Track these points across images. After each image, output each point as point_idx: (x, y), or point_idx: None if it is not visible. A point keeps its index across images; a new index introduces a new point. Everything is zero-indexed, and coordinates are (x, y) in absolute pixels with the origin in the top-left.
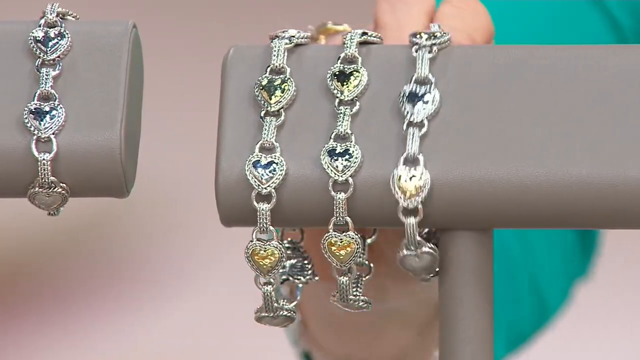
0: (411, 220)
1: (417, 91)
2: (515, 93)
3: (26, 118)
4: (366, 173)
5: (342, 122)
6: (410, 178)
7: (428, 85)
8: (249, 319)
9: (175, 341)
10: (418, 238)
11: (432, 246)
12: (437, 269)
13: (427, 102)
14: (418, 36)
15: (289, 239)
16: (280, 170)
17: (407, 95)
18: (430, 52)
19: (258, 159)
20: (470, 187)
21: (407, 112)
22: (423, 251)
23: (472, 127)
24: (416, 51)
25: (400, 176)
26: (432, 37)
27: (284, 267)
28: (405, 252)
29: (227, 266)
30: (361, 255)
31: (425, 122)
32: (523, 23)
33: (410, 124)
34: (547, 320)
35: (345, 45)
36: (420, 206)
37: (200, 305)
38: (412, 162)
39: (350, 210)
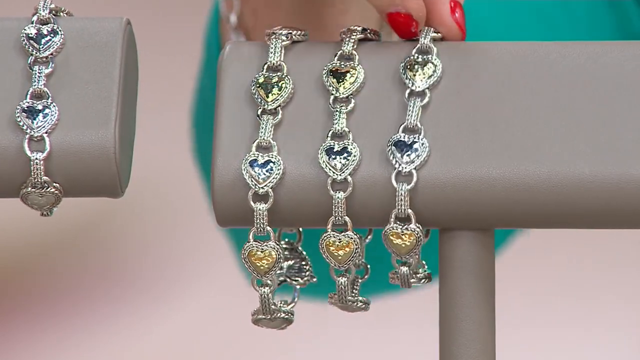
0: (404, 269)
1: (406, 140)
2: (517, 90)
3: (18, 116)
4: (365, 172)
5: (339, 120)
6: (402, 236)
7: (417, 135)
8: (246, 321)
9: (173, 343)
10: (412, 280)
11: (425, 274)
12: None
13: (416, 151)
14: (409, 76)
15: (287, 240)
16: (278, 170)
17: (395, 142)
18: (422, 98)
19: (255, 158)
20: (471, 186)
21: (396, 162)
22: (409, 227)
23: (473, 125)
24: (408, 96)
25: (392, 233)
26: (426, 75)
27: (281, 268)
28: (398, 284)
29: (224, 268)
30: (359, 255)
31: (414, 172)
32: (539, 25)
33: (399, 174)
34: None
35: (343, 42)
36: (415, 257)
37: (197, 307)
38: (403, 219)
39: (348, 210)
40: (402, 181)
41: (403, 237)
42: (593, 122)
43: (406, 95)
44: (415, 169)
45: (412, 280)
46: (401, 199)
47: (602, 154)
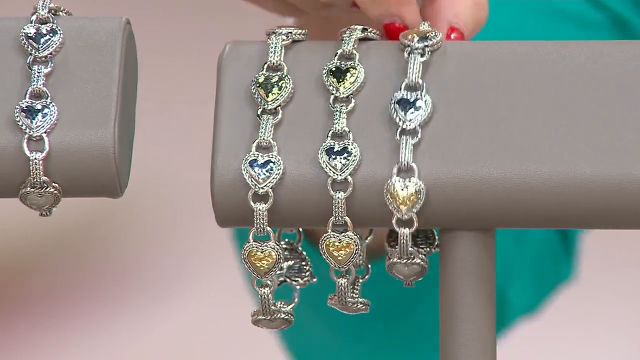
0: (405, 231)
1: (409, 97)
2: (517, 90)
3: (17, 116)
4: (365, 172)
5: (339, 119)
6: (405, 188)
7: (419, 92)
8: (246, 321)
9: (173, 343)
10: (411, 249)
11: (423, 257)
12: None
13: (419, 108)
14: (409, 38)
15: (287, 240)
16: (278, 170)
17: (397, 100)
18: (422, 55)
19: (255, 158)
20: (472, 186)
21: (400, 120)
22: (414, 262)
23: (473, 124)
24: (408, 54)
25: (394, 186)
26: (424, 39)
27: (281, 268)
28: (395, 259)
29: (224, 268)
30: (360, 256)
31: (419, 129)
32: (518, 23)
33: (403, 131)
34: (506, 326)
35: (343, 41)
36: (415, 217)
37: (198, 307)
38: (406, 171)
39: (348, 210)
40: (408, 135)
41: (405, 185)
42: (594, 122)
43: (405, 54)
44: (419, 125)
45: (411, 249)
46: (404, 151)
47: (603, 154)
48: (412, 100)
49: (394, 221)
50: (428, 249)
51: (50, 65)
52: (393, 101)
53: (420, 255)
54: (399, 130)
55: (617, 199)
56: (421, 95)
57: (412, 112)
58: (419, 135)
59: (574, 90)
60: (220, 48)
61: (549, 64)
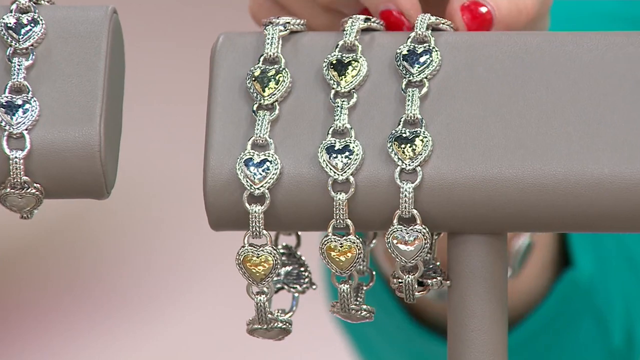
0: (408, 187)
1: (416, 49)
2: (531, 84)
3: None
4: (368, 171)
5: (340, 116)
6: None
7: (427, 44)
8: (241, 330)
9: (173, 344)
10: (414, 211)
11: (424, 227)
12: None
13: (426, 61)
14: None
15: (285, 244)
16: (275, 169)
17: (404, 55)
18: (420, 90)
19: (250, 156)
20: (482, 187)
21: (406, 72)
22: (414, 229)
23: (484, 121)
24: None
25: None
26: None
27: (278, 274)
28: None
29: (219, 273)
30: (362, 261)
31: (426, 81)
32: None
33: (409, 83)
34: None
35: (345, 32)
36: (419, 170)
37: (197, 309)
38: (412, 123)
39: (350, 212)
40: (414, 87)
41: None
42: (612, 117)
43: (403, 85)
44: (426, 77)
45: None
46: (411, 104)
47: (623, 152)
48: (419, 51)
49: (396, 175)
50: (439, 282)
51: (31, 58)
52: (399, 53)
53: (421, 226)
54: (404, 83)
55: (637, 200)
56: (429, 47)
57: (419, 64)
58: (426, 88)
59: (591, 84)
60: (214, 39)
61: (565, 56)
